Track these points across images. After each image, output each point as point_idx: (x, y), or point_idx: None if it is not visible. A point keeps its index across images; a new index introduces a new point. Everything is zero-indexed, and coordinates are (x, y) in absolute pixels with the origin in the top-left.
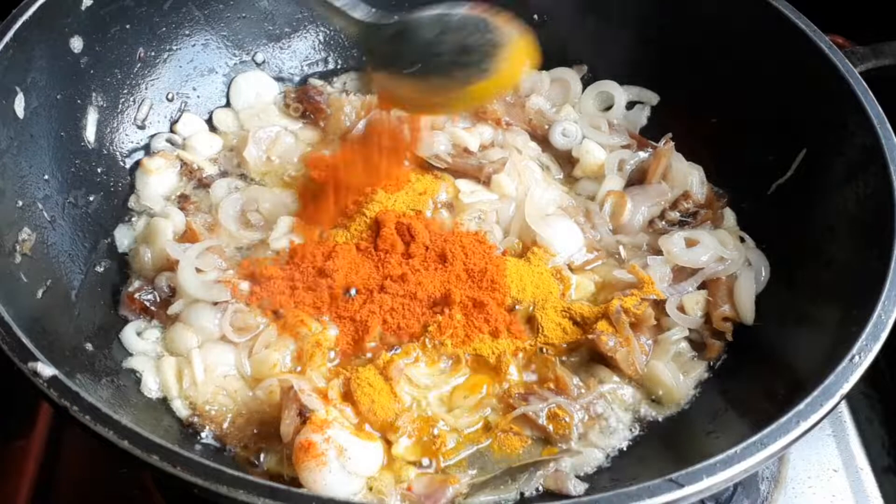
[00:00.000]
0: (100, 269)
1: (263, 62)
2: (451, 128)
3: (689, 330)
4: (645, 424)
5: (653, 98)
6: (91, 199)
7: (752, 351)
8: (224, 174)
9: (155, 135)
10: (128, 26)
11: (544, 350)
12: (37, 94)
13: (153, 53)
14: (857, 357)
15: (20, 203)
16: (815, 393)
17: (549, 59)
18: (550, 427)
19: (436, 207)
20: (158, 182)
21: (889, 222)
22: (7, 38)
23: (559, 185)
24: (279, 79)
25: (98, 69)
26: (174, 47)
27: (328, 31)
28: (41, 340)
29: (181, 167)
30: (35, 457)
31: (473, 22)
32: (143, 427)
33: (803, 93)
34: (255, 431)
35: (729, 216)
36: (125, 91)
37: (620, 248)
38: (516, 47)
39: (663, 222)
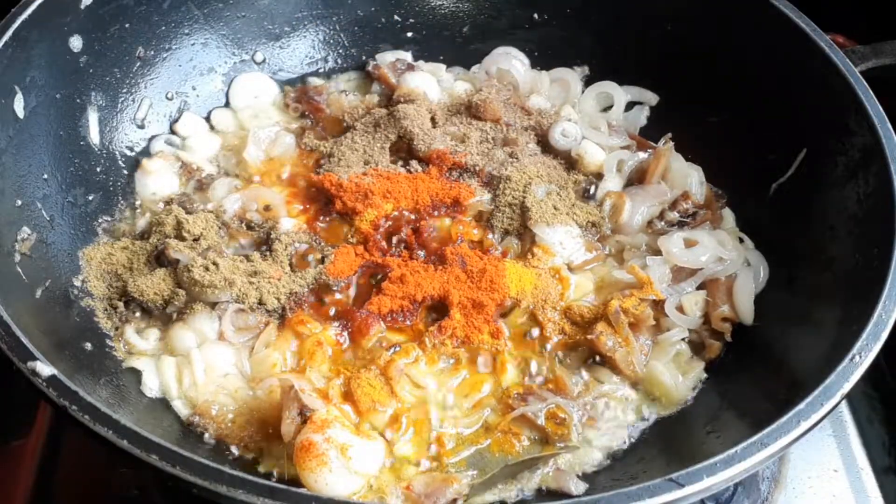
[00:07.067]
0: None
1: (263, 61)
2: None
3: (689, 330)
4: (645, 424)
5: (652, 98)
6: (90, 198)
7: (751, 351)
8: (224, 174)
9: (155, 136)
10: (127, 25)
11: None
12: (36, 93)
13: (152, 52)
14: (857, 357)
15: (19, 202)
16: (816, 393)
17: (549, 59)
18: (549, 427)
19: (435, 208)
20: (158, 182)
21: (889, 222)
22: (6, 37)
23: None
24: (278, 78)
25: (97, 68)
26: (173, 46)
27: (328, 31)
28: (40, 340)
29: (180, 167)
30: (35, 457)
31: None
32: (143, 427)
33: (803, 92)
34: (255, 431)
35: (728, 216)
36: (124, 90)
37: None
38: None
39: (662, 223)
